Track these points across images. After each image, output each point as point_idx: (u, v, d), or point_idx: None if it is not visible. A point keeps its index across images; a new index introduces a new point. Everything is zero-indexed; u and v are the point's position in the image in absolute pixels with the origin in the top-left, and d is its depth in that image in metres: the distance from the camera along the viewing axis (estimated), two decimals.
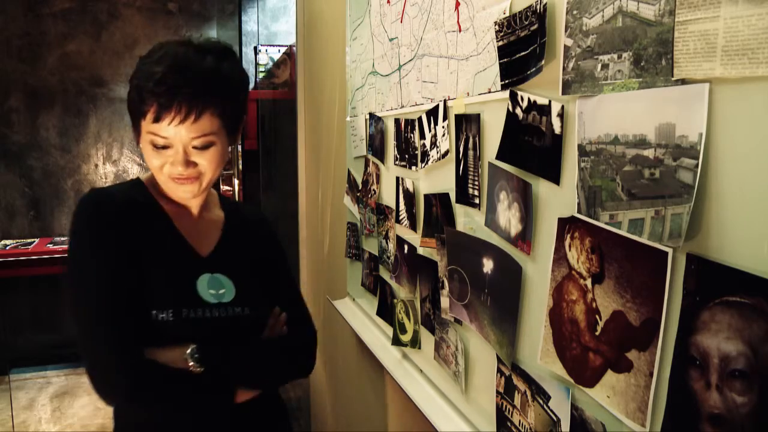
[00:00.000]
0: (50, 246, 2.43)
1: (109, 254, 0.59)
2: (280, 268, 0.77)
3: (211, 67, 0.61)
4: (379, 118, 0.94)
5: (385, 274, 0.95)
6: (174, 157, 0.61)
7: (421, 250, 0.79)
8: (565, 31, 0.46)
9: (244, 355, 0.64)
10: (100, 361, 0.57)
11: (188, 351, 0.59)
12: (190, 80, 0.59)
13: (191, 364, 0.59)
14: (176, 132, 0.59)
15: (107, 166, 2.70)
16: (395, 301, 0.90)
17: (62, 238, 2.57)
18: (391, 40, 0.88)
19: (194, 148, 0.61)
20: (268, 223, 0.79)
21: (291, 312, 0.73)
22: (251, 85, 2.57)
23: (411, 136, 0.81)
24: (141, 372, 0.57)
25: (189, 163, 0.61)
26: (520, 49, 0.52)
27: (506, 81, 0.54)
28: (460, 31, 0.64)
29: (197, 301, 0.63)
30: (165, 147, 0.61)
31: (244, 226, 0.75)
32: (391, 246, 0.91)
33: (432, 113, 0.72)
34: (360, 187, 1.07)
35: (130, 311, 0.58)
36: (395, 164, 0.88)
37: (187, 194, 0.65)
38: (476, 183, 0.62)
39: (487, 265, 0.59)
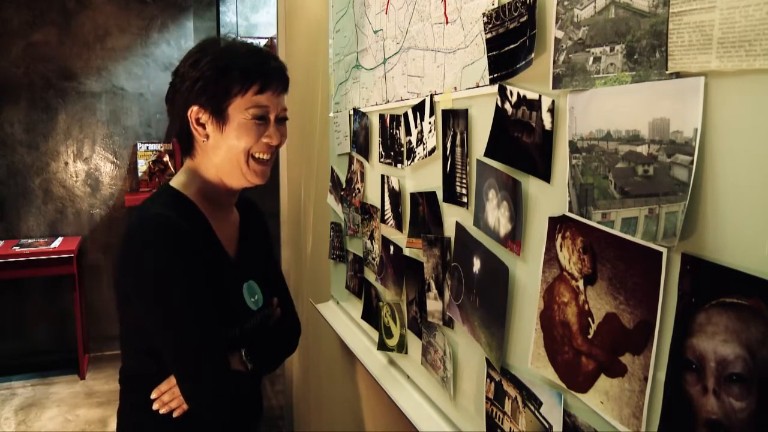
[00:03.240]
0: (16, 249, 2.30)
1: (196, 285, 0.66)
2: (274, 257, 0.86)
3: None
4: (364, 114, 0.92)
5: (370, 276, 0.93)
6: (270, 129, 0.69)
7: (407, 251, 0.77)
8: (556, 22, 0.44)
9: (270, 347, 0.77)
10: (203, 383, 0.66)
11: (243, 355, 0.71)
12: (277, 60, 0.72)
13: (248, 365, 0.71)
14: (276, 100, 0.70)
15: (78, 164, 2.58)
16: (381, 304, 0.88)
17: (30, 240, 2.44)
18: (375, 32, 0.85)
19: (278, 121, 0.71)
20: (263, 213, 0.87)
21: (280, 295, 0.83)
22: None
23: (396, 133, 0.79)
24: (228, 384, 0.67)
25: (278, 133, 0.70)
26: (509, 41, 0.50)
27: (495, 75, 0.53)
28: (447, 22, 0.62)
29: (248, 313, 0.73)
30: (262, 118, 0.69)
31: (251, 220, 0.82)
32: (377, 247, 0.88)
33: (418, 108, 0.70)
34: (344, 186, 1.05)
35: (218, 331, 0.68)
36: (380, 162, 0.85)
37: (262, 178, 0.71)
38: (464, 181, 0.60)
39: (476, 264, 0.58)
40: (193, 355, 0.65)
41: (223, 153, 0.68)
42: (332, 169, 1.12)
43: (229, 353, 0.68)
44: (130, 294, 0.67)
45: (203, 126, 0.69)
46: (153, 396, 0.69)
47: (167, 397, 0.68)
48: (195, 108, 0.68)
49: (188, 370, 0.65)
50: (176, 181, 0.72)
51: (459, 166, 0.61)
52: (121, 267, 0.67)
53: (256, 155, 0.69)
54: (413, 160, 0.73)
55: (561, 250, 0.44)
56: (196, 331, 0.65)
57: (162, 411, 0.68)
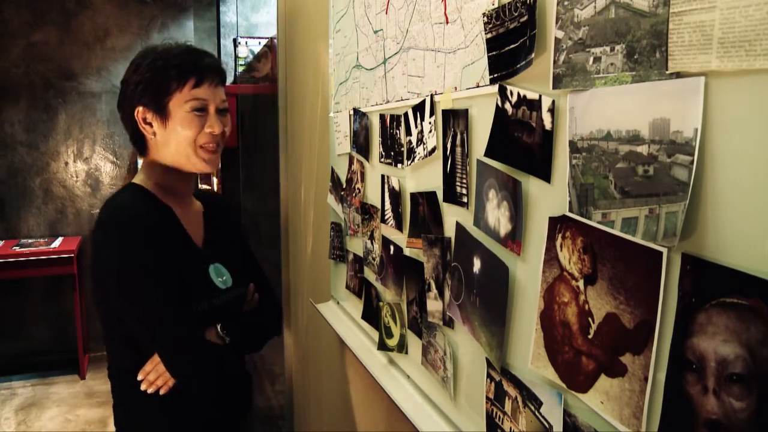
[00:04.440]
0: (16, 249, 2.30)
1: (161, 265, 0.70)
2: (245, 244, 0.92)
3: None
4: (364, 114, 0.92)
5: (370, 276, 0.93)
6: (210, 119, 0.75)
7: (407, 251, 0.77)
8: (556, 22, 0.44)
9: (246, 323, 0.82)
10: (182, 350, 0.70)
11: (219, 329, 0.75)
12: (211, 57, 0.79)
13: (226, 339, 0.75)
14: (213, 92, 0.75)
15: (78, 164, 2.58)
16: (381, 304, 0.88)
17: (30, 240, 2.44)
18: (375, 32, 0.85)
19: (218, 112, 0.76)
20: (231, 206, 0.96)
21: (257, 281, 0.88)
22: (230, 79, 2.49)
23: (397, 133, 0.79)
24: (207, 351, 0.72)
25: (219, 123, 0.75)
26: (510, 41, 0.50)
27: (495, 75, 0.53)
28: (447, 22, 0.62)
29: (216, 290, 0.78)
30: (202, 110, 0.74)
31: (216, 211, 0.87)
32: (377, 247, 0.89)
33: (418, 108, 0.70)
34: (344, 186, 1.05)
35: (185, 307, 0.72)
36: (380, 162, 0.86)
37: (210, 166, 0.76)
38: (464, 181, 0.60)
39: (476, 264, 0.58)
40: (166, 329, 0.69)
41: (172, 146, 0.74)
42: (332, 169, 1.12)
43: (206, 329, 0.73)
44: (104, 286, 0.72)
45: (150, 124, 0.75)
46: (139, 377, 0.72)
47: (152, 376, 0.72)
48: (140, 108, 0.74)
49: (166, 344, 0.70)
50: (137, 179, 0.79)
51: (459, 166, 0.61)
52: (92, 262, 0.73)
53: (202, 145, 0.75)
54: (413, 160, 0.73)
55: (561, 250, 0.44)
56: (167, 308, 0.69)
57: (150, 390, 0.72)
